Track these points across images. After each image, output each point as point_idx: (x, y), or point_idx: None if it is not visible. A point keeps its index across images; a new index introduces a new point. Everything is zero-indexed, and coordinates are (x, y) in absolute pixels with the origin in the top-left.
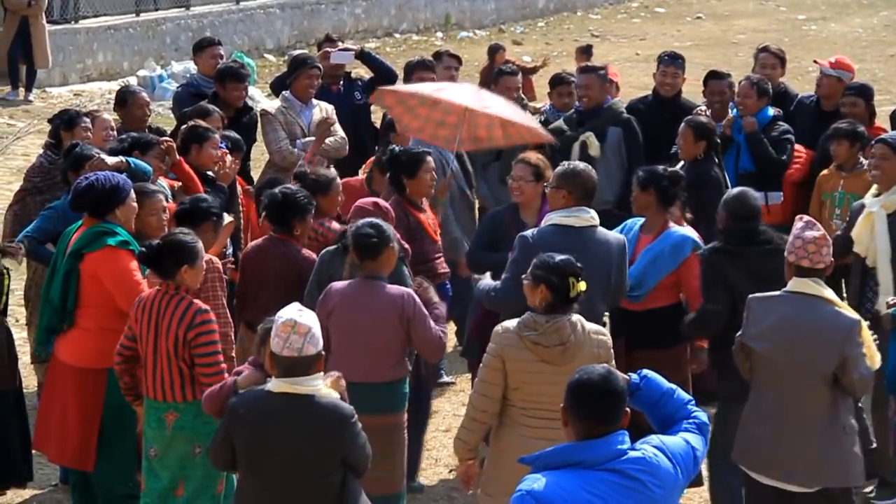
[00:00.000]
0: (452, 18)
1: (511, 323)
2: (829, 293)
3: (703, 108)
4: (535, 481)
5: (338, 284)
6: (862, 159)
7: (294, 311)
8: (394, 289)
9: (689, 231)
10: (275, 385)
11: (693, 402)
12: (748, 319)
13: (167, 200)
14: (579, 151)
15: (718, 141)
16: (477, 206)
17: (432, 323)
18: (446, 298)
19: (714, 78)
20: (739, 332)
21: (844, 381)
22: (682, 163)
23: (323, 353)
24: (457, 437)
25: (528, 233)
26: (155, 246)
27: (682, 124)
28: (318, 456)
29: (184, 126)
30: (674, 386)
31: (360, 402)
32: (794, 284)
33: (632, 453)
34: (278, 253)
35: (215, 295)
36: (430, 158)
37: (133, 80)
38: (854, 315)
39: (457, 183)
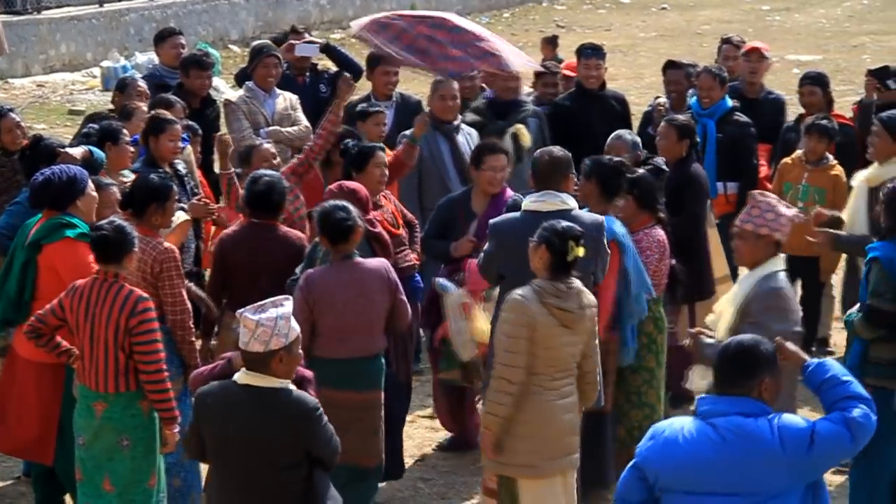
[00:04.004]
0: (418, 8)
1: (525, 292)
2: None
3: (663, 98)
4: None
5: (316, 271)
6: (828, 154)
7: (253, 307)
8: (372, 261)
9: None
10: (239, 376)
11: (863, 400)
12: None
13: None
14: (512, 143)
15: (699, 140)
16: None
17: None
18: (417, 292)
19: (672, 67)
20: None
21: None
22: (662, 159)
23: (282, 352)
24: (487, 412)
25: (497, 219)
26: (103, 234)
27: (664, 123)
28: (280, 448)
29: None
30: (845, 379)
31: (352, 378)
32: None
33: (736, 417)
34: (270, 238)
35: (172, 283)
36: (380, 153)
37: (97, 72)
38: None
39: (437, 167)
